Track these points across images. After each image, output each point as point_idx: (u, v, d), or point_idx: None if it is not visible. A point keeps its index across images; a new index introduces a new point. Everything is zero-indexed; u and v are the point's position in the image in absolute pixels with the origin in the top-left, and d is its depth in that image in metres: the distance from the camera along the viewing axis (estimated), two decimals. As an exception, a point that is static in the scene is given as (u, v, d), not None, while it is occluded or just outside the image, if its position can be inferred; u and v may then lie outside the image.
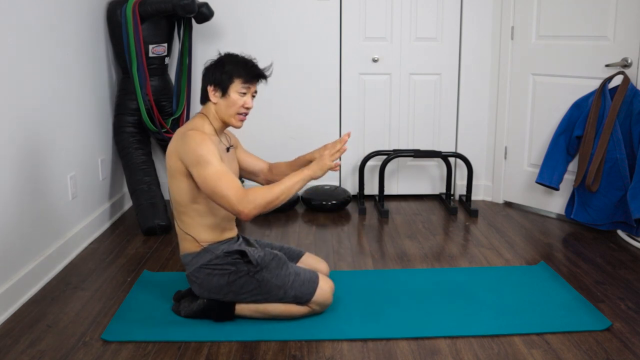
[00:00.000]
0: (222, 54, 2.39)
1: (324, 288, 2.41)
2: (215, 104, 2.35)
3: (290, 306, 2.39)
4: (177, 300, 2.50)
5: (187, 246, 2.40)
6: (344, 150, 2.37)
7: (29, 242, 2.70)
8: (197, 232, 2.37)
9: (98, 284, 2.79)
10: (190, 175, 2.27)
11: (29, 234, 2.71)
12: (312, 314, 2.44)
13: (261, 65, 2.44)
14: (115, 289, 2.75)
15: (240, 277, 2.33)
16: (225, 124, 2.40)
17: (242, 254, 2.37)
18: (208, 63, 2.39)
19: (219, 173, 2.18)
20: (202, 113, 2.39)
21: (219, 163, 2.20)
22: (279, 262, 2.39)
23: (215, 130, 2.39)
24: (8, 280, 2.52)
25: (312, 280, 2.40)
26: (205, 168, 2.19)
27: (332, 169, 2.33)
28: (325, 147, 2.42)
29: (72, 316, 2.48)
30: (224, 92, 2.33)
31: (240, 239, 2.51)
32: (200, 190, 2.29)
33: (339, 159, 2.28)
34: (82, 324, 2.42)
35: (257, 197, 2.18)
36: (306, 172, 2.30)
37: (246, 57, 2.38)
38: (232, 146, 2.52)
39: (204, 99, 2.38)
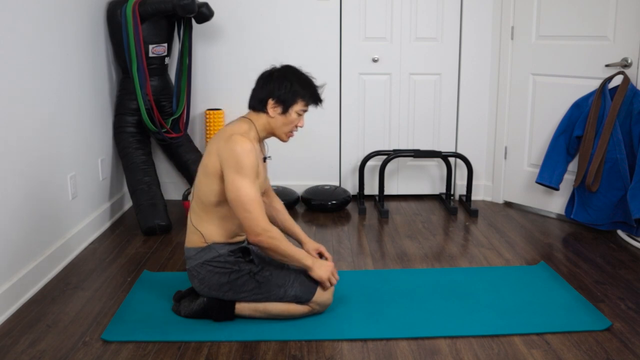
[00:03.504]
0: (285, 67, 2.38)
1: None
2: (272, 117, 2.35)
3: (291, 305, 2.39)
4: (177, 300, 2.50)
5: (194, 240, 2.38)
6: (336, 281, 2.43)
7: (29, 242, 2.70)
8: (209, 230, 2.35)
9: (98, 284, 2.79)
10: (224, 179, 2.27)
11: (29, 234, 2.71)
12: (312, 314, 2.44)
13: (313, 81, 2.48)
14: (115, 289, 2.75)
15: (242, 277, 2.33)
16: (271, 136, 2.42)
17: (246, 251, 2.37)
18: (269, 73, 2.37)
19: (254, 192, 2.22)
20: (249, 119, 2.38)
21: (255, 180, 2.24)
22: (278, 262, 2.39)
23: (259, 139, 2.39)
24: (8, 280, 2.52)
25: (312, 280, 2.40)
26: (242, 179, 2.20)
27: (323, 283, 2.37)
28: (319, 251, 2.55)
29: (72, 316, 2.48)
30: (285, 110, 2.34)
31: (246, 240, 2.51)
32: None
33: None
34: (82, 324, 2.42)
35: (274, 238, 2.25)
36: (309, 263, 2.34)
37: (309, 76, 2.40)
38: (269, 157, 2.53)
39: (258, 107, 2.36)
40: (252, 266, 2.34)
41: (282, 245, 2.27)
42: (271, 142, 4.11)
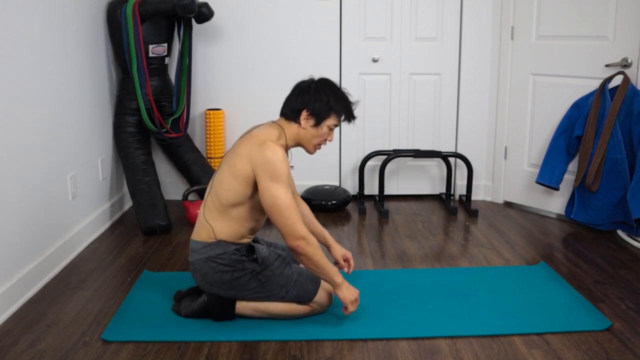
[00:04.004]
0: (323, 80, 2.40)
1: (326, 288, 2.42)
2: (303, 129, 2.36)
3: (291, 305, 2.39)
4: (178, 301, 2.50)
5: (202, 234, 2.37)
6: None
7: (29, 242, 2.70)
8: (219, 227, 2.34)
9: (98, 284, 2.79)
10: (252, 185, 2.27)
11: (29, 234, 2.71)
12: (313, 314, 2.44)
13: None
14: (115, 289, 2.75)
15: (244, 275, 2.33)
16: (297, 146, 2.42)
17: (251, 249, 2.36)
18: (307, 84, 2.38)
19: (290, 198, 2.23)
20: (280, 125, 2.38)
21: (289, 187, 2.25)
22: (283, 261, 2.39)
23: (286, 147, 2.39)
24: (8, 280, 2.52)
25: (314, 280, 2.40)
26: (278, 186, 2.21)
27: (345, 305, 2.34)
28: (346, 257, 2.63)
29: (72, 316, 2.48)
30: (318, 123, 2.35)
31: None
32: (248, 200, 2.30)
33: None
34: (82, 324, 2.42)
35: (312, 245, 2.25)
36: (338, 281, 2.32)
37: (346, 92, 2.41)
38: (291, 166, 2.54)
39: (291, 116, 2.36)
40: (255, 265, 2.34)
41: (317, 255, 2.27)
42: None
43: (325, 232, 2.67)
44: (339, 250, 2.65)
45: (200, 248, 2.36)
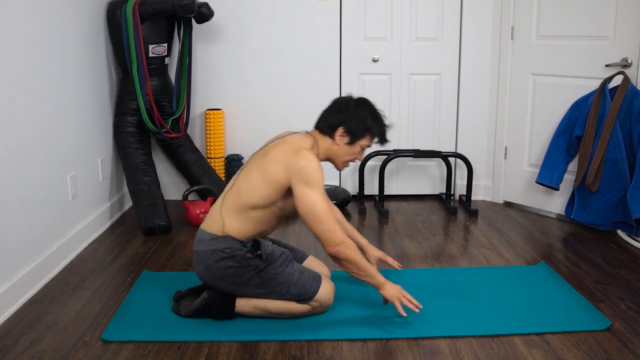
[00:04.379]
0: (362, 100, 2.40)
1: (326, 287, 2.42)
2: (336, 145, 2.38)
3: (291, 304, 2.39)
4: (177, 301, 2.50)
5: (213, 226, 2.36)
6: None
7: (29, 242, 2.70)
8: (232, 223, 2.34)
9: (98, 284, 2.79)
10: (281, 191, 2.28)
11: (29, 234, 2.71)
12: (312, 314, 2.44)
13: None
14: (115, 289, 2.75)
15: (248, 271, 2.33)
16: (326, 160, 2.44)
17: (257, 244, 2.36)
18: (345, 101, 2.39)
19: (326, 204, 2.25)
20: (314, 137, 2.40)
21: (325, 195, 2.27)
22: (286, 259, 2.39)
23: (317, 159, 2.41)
24: (8, 280, 2.52)
25: (315, 278, 2.41)
26: (315, 193, 2.22)
27: (394, 302, 2.34)
28: (382, 258, 2.67)
29: (72, 316, 2.48)
30: (352, 141, 2.38)
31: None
32: (271, 205, 2.31)
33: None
34: (82, 324, 2.42)
35: (352, 249, 2.26)
36: (381, 280, 2.33)
37: (382, 114, 2.43)
38: None
39: (327, 131, 2.38)
40: (259, 262, 2.34)
41: (358, 258, 2.29)
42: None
43: (359, 237, 2.71)
44: (374, 252, 2.69)
45: (208, 239, 2.35)
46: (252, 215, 2.33)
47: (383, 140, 2.44)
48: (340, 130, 2.37)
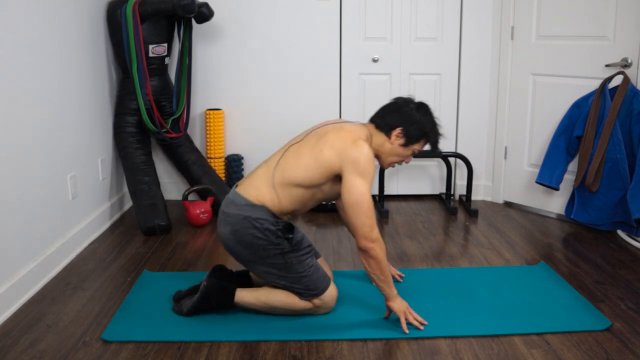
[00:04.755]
0: (424, 105, 2.42)
1: (333, 290, 2.44)
2: (390, 144, 2.39)
3: (294, 299, 2.39)
4: (177, 301, 2.50)
5: (251, 192, 2.34)
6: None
7: (29, 242, 2.70)
8: (270, 194, 2.32)
9: (98, 284, 2.79)
10: (330, 176, 2.29)
11: (29, 234, 2.71)
12: (312, 313, 2.44)
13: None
14: (115, 289, 2.75)
15: (273, 249, 2.32)
16: (375, 156, 2.44)
17: (290, 228, 2.35)
18: (406, 103, 2.40)
19: (372, 202, 2.25)
20: (369, 130, 2.40)
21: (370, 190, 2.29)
22: (310, 251, 2.41)
23: None
24: (8, 280, 2.52)
25: (326, 278, 2.42)
26: (366, 184, 2.23)
27: (399, 316, 2.35)
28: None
29: (72, 316, 2.48)
30: (407, 144, 2.39)
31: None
32: (314, 187, 2.32)
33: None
34: (82, 324, 2.42)
35: (383, 250, 2.28)
36: (394, 293, 2.34)
37: (438, 121, 2.45)
38: None
39: (384, 129, 2.39)
40: (287, 244, 2.33)
41: (385, 262, 2.30)
42: (270, 142, 4.11)
43: None
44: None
45: (243, 204, 2.33)
46: (292, 192, 2.32)
47: (435, 147, 2.46)
48: (397, 131, 2.37)
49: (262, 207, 2.32)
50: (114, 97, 3.75)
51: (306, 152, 2.32)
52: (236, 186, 2.43)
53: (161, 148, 3.97)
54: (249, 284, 2.60)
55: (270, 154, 4.03)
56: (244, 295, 2.42)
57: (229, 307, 2.43)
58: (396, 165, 2.47)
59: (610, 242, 3.34)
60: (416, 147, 2.42)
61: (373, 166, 2.26)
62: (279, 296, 2.40)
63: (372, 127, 2.43)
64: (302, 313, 2.43)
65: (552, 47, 3.66)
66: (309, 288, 2.37)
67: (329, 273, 2.62)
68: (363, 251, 2.27)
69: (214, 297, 2.40)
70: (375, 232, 2.25)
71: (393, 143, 2.39)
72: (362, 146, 2.26)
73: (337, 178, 2.31)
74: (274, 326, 2.37)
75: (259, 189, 2.34)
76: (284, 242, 2.33)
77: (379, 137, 2.40)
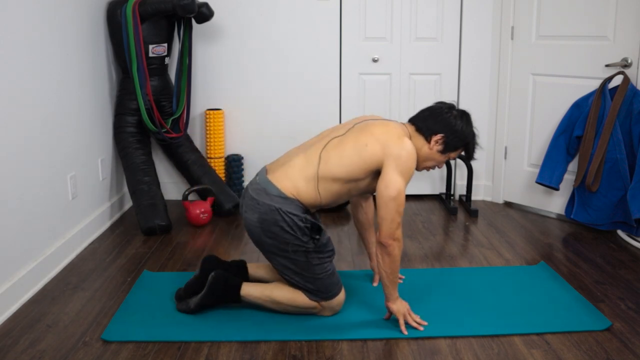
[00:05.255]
0: (466, 114, 2.41)
1: (341, 297, 2.45)
2: (429, 149, 2.38)
3: (300, 295, 2.39)
4: (179, 299, 2.50)
5: (285, 183, 2.31)
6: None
7: (29, 242, 2.70)
8: (304, 188, 2.30)
9: (98, 284, 2.79)
10: (372, 171, 2.29)
11: (29, 234, 2.71)
12: (314, 313, 2.44)
13: None
14: (115, 289, 2.75)
15: (298, 245, 2.31)
16: None
17: (319, 229, 2.35)
18: (450, 110, 2.38)
19: (404, 199, 2.26)
20: (409, 132, 2.38)
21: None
22: (331, 255, 2.41)
23: None
24: (8, 280, 2.52)
25: (338, 284, 2.43)
26: (404, 183, 2.24)
27: (398, 318, 2.36)
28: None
29: (72, 316, 2.48)
30: (445, 151, 2.39)
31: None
32: (351, 182, 2.31)
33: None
34: (82, 324, 2.42)
35: (400, 250, 2.30)
36: (396, 295, 2.35)
37: (476, 132, 2.45)
38: None
39: (425, 133, 2.38)
40: (312, 244, 2.33)
41: (398, 262, 2.31)
42: (270, 142, 4.11)
43: (372, 244, 2.75)
44: None
45: (276, 195, 2.30)
46: (329, 186, 2.31)
47: (471, 157, 2.46)
48: (438, 137, 2.36)
49: (295, 201, 2.31)
50: (114, 97, 3.75)
51: (349, 146, 2.31)
52: (267, 171, 2.39)
53: (161, 148, 3.97)
54: (244, 274, 2.61)
55: (269, 154, 4.04)
56: (250, 290, 2.42)
57: (235, 301, 2.44)
58: (429, 169, 2.46)
59: (610, 242, 3.34)
60: (452, 155, 2.42)
61: (414, 165, 2.27)
62: (284, 292, 2.41)
63: (412, 128, 2.41)
64: (306, 312, 2.43)
65: (552, 47, 3.66)
66: (321, 290, 2.38)
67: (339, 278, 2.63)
68: (383, 246, 2.27)
69: (220, 290, 2.40)
70: (400, 231, 2.27)
71: (432, 148, 2.38)
72: (407, 143, 2.26)
73: (376, 174, 2.31)
74: (274, 326, 2.37)
75: (294, 182, 2.31)
76: (309, 242, 2.33)
77: (418, 140, 2.39)
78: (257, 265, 2.66)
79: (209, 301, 2.44)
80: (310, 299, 2.40)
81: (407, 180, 2.26)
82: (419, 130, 2.39)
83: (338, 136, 2.37)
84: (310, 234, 2.32)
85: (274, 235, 2.31)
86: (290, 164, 2.35)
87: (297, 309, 2.43)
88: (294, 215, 2.29)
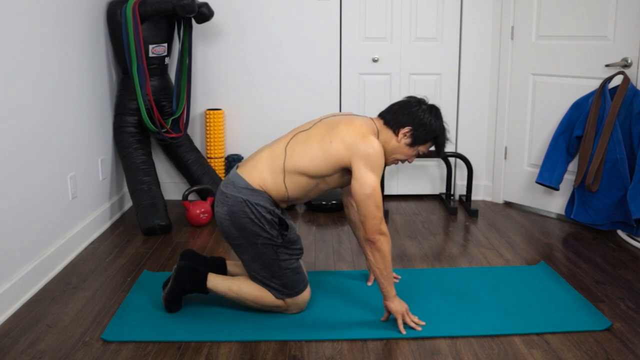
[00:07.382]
0: (435, 108, 2.41)
1: (307, 294, 2.47)
2: (397, 142, 2.38)
3: (266, 293, 2.41)
4: (164, 289, 2.53)
5: (253, 176, 2.33)
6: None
7: (29, 242, 2.70)
8: (271, 180, 2.32)
9: (98, 284, 2.79)
10: (337, 169, 2.30)
11: (29, 234, 2.71)
12: (281, 311, 2.46)
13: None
14: (115, 289, 2.75)
15: (266, 238, 2.33)
16: None
17: (286, 225, 2.37)
18: (418, 103, 2.39)
19: (380, 194, 2.26)
20: (377, 126, 2.39)
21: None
22: (298, 253, 2.42)
23: None
24: (8, 280, 2.52)
25: (304, 281, 2.45)
26: (376, 179, 2.25)
27: (396, 317, 2.36)
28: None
29: (72, 316, 2.48)
30: (413, 144, 2.39)
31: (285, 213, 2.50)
32: (317, 178, 2.32)
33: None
34: (82, 324, 2.42)
35: (389, 244, 2.30)
36: (393, 292, 2.34)
37: (447, 127, 2.45)
38: None
39: (393, 126, 2.38)
40: (280, 239, 2.35)
41: (389, 256, 2.31)
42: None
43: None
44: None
45: (243, 187, 2.32)
46: (296, 180, 2.33)
47: (441, 151, 2.46)
48: (405, 130, 2.37)
49: (263, 193, 2.33)
50: (114, 97, 3.75)
51: (315, 142, 2.32)
52: (237, 167, 2.42)
53: (161, 148, 3.98)
54: (223, 271, 2.61)
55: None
56: (217, 283, 2.43)
57: (202, 291, 2.43)
58: (398, 162, 2.46)
59: (610, 242, 3.34)
60: (422, 148, 2.42)
61: (383, 161, 2.28)
62: (251, 289, 2.41)
63: (380, 122, 2.42)
64: (271, 310, 2.45)
65: (552, 47, 3.66)
66: (286, 287, 2.39)
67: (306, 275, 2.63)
68: (370, 242, 2.28)
69: (187, 280, 2.41)
70: (384, 226, 2.28)
71: (400, 141, 2.39)
72: (374, 142, 2.27)
73: (343, 171, 2.33)
74: (274, 326, 2.37)
75: (261, 173, 2.34)
76: (278, 236, 2.34)
77: (386, 134, 2.39)
78: (236, 264, 2.67)
79: (177, 291, 2.43)
80: (276, 297, 2.41)
81: (379, 175, 2.27)
82: (387, 123, 2.40)
83: (303, 131, 2.40)
84: (278, 228, 2.34)
85: (242, 227, 2.32)
86: (257, 157, 2.39)
87: (262, 307, 2.44)
88: (261, 207, 2.31)
